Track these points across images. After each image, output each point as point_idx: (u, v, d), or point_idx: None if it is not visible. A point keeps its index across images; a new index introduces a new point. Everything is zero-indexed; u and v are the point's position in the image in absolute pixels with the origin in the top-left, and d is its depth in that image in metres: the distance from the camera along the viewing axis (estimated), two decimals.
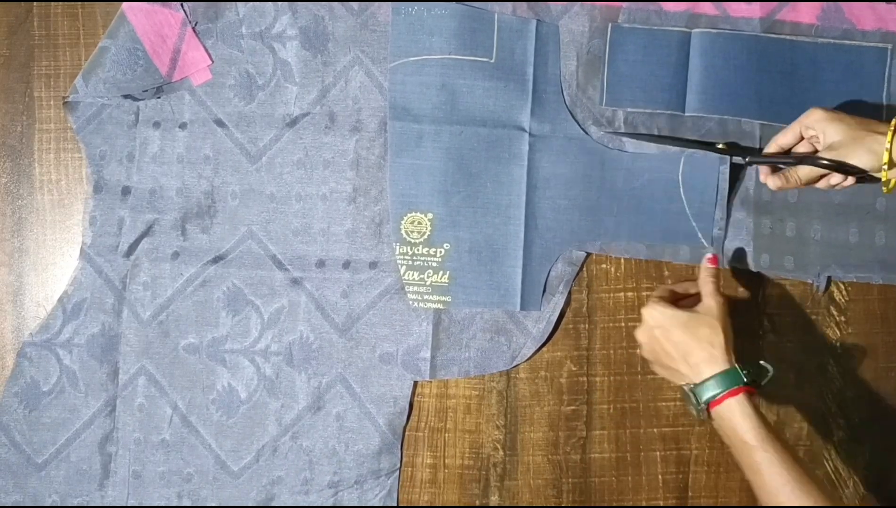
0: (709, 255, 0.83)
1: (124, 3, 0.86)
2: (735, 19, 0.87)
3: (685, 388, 0.77)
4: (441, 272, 0.87)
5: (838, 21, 0.87)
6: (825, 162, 0.77)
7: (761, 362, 0.78)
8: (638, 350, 0.83)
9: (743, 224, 0.87)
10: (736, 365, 0.76)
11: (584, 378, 0.88)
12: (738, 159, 0.85)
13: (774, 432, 0.73)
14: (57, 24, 0.90)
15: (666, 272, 0.88)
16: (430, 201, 0.87)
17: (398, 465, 0.87)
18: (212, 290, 0.88)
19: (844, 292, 0.88)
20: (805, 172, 0.79)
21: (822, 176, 0.79)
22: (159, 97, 0.88)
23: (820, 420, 0.88)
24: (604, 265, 0.88)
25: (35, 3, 0.90)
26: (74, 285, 0.88)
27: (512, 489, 0.88)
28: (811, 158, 0.79)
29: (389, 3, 0.88)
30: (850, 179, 0.78)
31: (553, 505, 0.88)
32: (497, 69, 0.87)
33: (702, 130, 0.87)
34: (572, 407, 0.88)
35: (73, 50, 0.90)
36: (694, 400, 0.76)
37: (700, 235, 0.87)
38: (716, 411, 0.75)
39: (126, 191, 0.88)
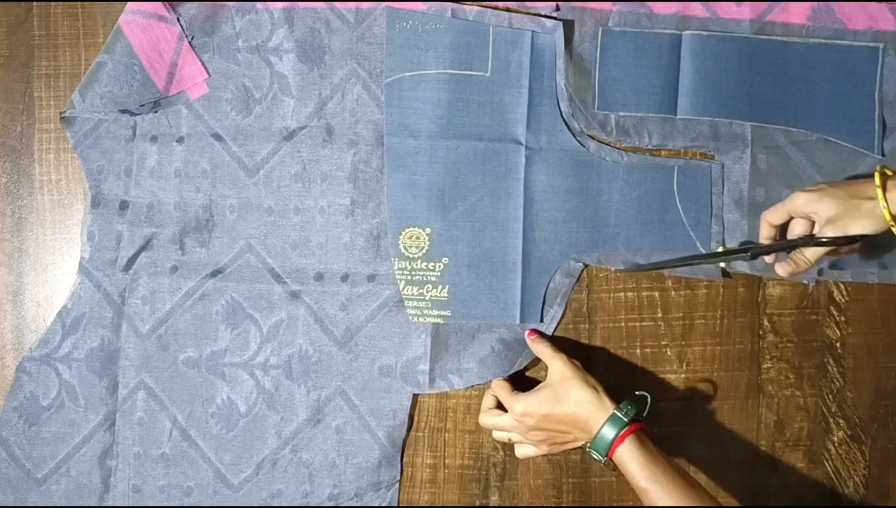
0: (528, 331, 0.86)
1: (121, 19, 0.86)
2: (725, 21, 0.88)
3: (587, 449, 0.80)
4: (440, 287, 0.88)
5: (829, 21, 0.87)
6: (828, 240, 0.76)
7: (638, 392, 0.80)
8: (533, 452, 0.84)
9: (738, 226, 0.88)
10: (614, 410, 0.78)
11: None
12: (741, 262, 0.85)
13: (663, 466, 0.75)
14: (57, 24, 0.90)
15: (666, 273, 0.89)
16: (427, 215, 0.88)
17: (398, 477, 0.88)
18: (210, 304, 0.88)
19: (844, 292, 0.89)
20: (811, 252, 0.78)
21: (829, 250, 0.78)
22: (156, 112, 0.88)
23: (820, 420, 0.89)
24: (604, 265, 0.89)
25: (35, 3, 0.90)
26: (73, 300, 0.88)
27: (512, 489, 0.89)
28: (813, 240, 0.77)
29: (385, 17, 0.88)
30: (859, 242, 0.78)
31: (553, 505, 0.88)
32: (493, 83, 0.88)
33: (693, 133, 0.88)
34: None
35: (73, 50, 0.89)
36: (597, 457, 0.79)
37: (699, 244, 0.87)
38: (614, 461, 0.77)
39: (124, 205, 0.88)
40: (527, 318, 0.87)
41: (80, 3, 0.90)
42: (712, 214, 0.88)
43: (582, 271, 0.88)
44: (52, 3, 0.90)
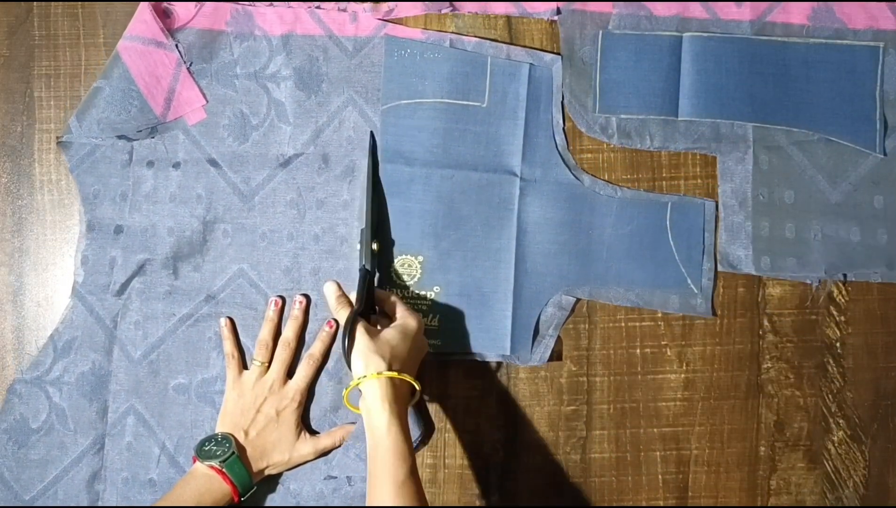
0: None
1: (119, 45, 0.87)
2: (726, 22, 0.88)
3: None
4: (431, 315, 0.87)
5: (829, 21, 0.88)
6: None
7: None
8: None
9: (742, 227, 0.87)
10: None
11: (584, 378, 0.88)
12: None
13: None
14: (57, 24, 0.90)
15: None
16: (420, 243, 0.87)
17: None
18: (203, 330, 0.88)
19: (844, 293, 0.88)
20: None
21: None
22: (153, 137, 0.89)
23: (820, 420, 0.88)
24: None
25: (35, 3, 0.90)
26: (65, 324, 0.88)
27: (512, 489, 0.88)
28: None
29: (383, 45, 0.88)
30: None
31: (553, 505, 0.88)
32: (489, 114, 0.88)
33: (695, 134, 0.88)
34: (572, 407, 0.88)
35: (73, 50, 0.90)
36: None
37: (690, 281, 0.87)
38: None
39: (119, 230, 0.88)
40: (517, 349, 0.87)
41: (80, 3, 0.91)
42: (704, 251, 0.87)
43: (574, 304, 0.88)
44: (52, 3, 0.91)
